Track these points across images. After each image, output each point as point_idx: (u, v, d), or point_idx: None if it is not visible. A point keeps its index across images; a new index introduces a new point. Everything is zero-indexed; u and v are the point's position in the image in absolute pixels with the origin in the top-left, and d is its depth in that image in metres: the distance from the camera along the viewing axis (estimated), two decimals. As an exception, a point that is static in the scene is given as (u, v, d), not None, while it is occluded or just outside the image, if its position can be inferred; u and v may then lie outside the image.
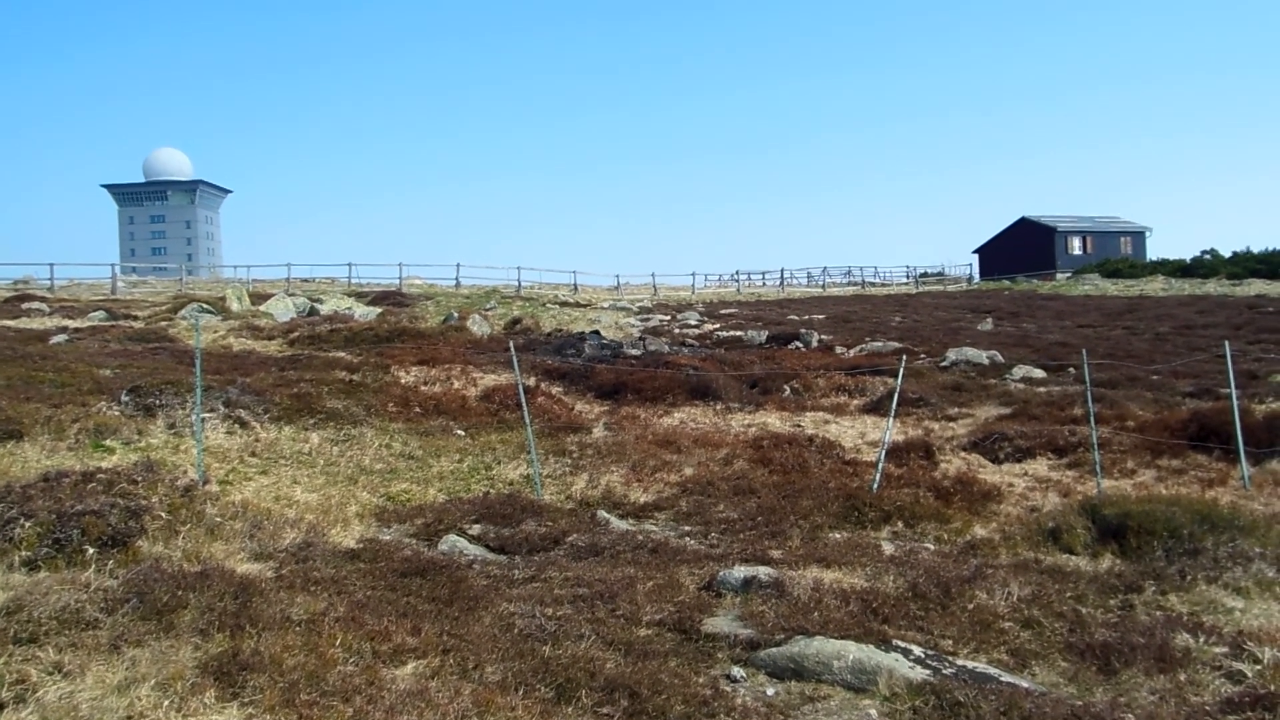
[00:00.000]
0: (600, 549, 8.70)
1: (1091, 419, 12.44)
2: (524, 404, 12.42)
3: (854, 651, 5.95)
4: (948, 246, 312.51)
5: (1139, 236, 78.90)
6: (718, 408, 17.57)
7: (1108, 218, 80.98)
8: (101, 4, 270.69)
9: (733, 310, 42.89)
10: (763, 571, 7.59)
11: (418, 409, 15.70)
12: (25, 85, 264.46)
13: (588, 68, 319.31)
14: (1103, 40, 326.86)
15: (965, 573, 7.87)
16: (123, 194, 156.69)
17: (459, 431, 14.55)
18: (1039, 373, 21.47)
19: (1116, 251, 75.02)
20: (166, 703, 4.67)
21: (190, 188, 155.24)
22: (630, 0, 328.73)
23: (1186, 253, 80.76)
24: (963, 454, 13.85)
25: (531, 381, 18.13)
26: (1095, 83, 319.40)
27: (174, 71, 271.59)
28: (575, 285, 55.08)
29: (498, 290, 48.64)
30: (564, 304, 43.64)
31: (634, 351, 24.56)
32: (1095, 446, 11.98)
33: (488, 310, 36.80)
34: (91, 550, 6.87)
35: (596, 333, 29.36)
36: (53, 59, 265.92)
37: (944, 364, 23.21)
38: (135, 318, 30.96)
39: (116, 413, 13.16)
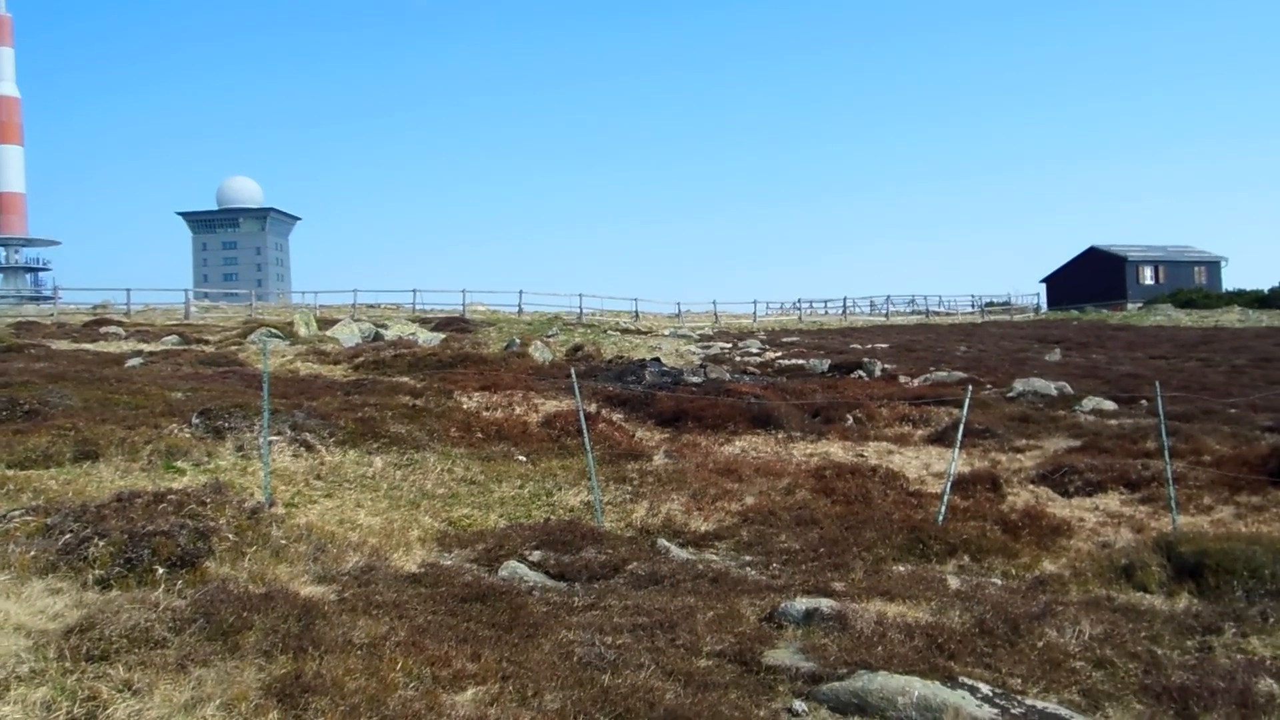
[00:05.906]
0: (660, 578, 8.65)
1: (1166, 452, 12.08)
2: (585, 430, 12.44)
3: (919, 688, 5.81)
4: (1014, 276, 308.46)
5: (1213, 266, 76.90)
6: (779, 436, 17.43)
7: (1180, 247, 79.04)
8: (178, 39, 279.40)
9: (794, 338, 42.64)
10: (825, 603, 7.48)
11: (480, 434, 15.80)
12: (105, 116, 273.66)
13: (653, 106, 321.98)
14: (1175, 79, 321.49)
15: (1034, 609, 7.67)
16: (197, 221, 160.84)
17: (520, 457, 14.62)
18: (1109, 405, 20.96)
19: (1190, 281, 73.18)
20: (231, 723, 4.73)
21: (261, 215, 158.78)
22: (701, 49, 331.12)
23: (1264, 283, 78.14)
24: (1030, 487, 13.55)
25: (592, 408, 18.16)
26: (1168, 117, 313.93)
27: (247, 101, 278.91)
28: (636, 312, 55.22)
29: (559, 317, 48.96)
30: (625, 331, 43.77)
31: (695, 379, 24.50)
32: (1170, 481, 11.63)
33: (549, 337, 37.05)
34: (161, 570, 7.01)
35: (657, 360, 29.35)
36: (131, 91, 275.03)
37: (1011, 395, 22.78)
38: (207, 342, 31.75)
39: (187, 435, 13.47)
